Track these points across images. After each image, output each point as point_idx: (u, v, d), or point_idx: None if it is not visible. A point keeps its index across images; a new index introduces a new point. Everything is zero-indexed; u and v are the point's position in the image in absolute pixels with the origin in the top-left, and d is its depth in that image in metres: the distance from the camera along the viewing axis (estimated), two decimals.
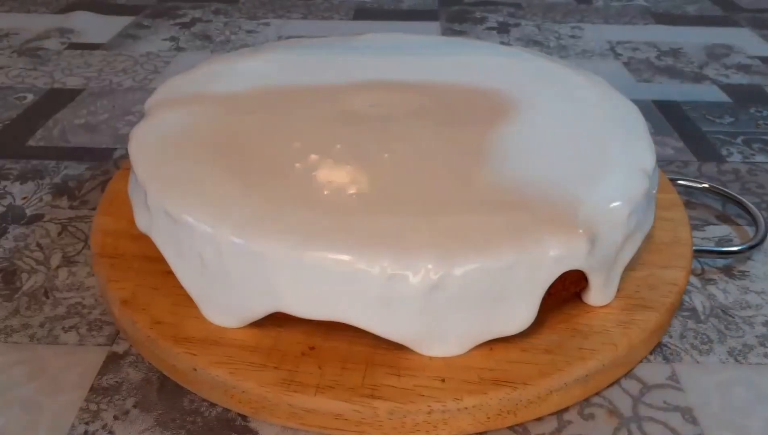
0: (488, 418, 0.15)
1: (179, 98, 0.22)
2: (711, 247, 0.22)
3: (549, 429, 0.16)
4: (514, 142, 0.19)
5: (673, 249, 0.20)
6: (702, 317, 0.20)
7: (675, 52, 0.39)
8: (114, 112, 0.31)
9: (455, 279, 0.15)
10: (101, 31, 0.41)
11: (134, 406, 0.16)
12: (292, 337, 0.17)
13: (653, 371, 0.18)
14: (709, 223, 0.24)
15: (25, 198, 0.25)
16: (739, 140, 0.30)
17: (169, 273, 0.18)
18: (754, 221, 0.23)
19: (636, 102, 0.33)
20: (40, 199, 0.25)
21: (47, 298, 0.20)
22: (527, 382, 0.15)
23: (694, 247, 0.21)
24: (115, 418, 0.16)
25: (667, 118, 0.31)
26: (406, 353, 0.16)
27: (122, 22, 0.43)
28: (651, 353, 0.18)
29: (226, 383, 0.16)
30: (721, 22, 0.44)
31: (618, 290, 0.18)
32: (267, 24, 0.43)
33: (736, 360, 0.18)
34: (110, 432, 0.16)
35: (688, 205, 0.25)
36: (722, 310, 0.20)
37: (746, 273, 0.21)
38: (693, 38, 0.41)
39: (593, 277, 0.17)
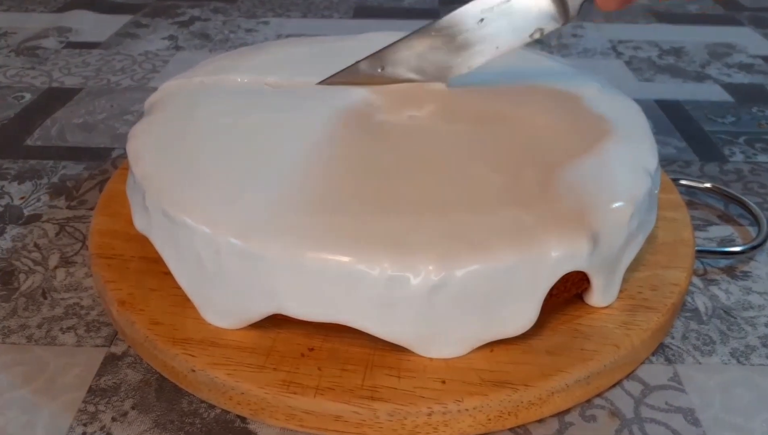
0: (489, 419, 0.15)
1: (178, 98, 0.22)
2: (713, 247, 0.22)
3: (550, 431, 0.16)
4: (515, 143, 0.19)
5: (675, 249, 0.20)
6: (704, 318, 0.19)
7: (677, 51, 0.39)
8: (112, 112, 0.31)
9: (456, 280, 0.15)
10: (99, 30, 0.41)
11: (132, 408, 0.16)
12: (291, 339, 0.16)
13: (655, 372, 0.17)
14: (711, 224, 0.24)
15: (22, 198, 0.25)
16: (741, 140, 0.29)
17: (168, 274, 0.17)
18: (756, 221, 0.23)
19: (638, 101, 0.32)
20: (38, 199, 0.25)
21: (45, 298, 0.20)
22: (528, 384, 0.15)
23: (697, 248, 0.21)
24: (114, 419, 0.16)
25: (669, 117, 0.31)
26: (407, 354, 0.16)
27: (120, 20, 0.42)
28: (653, 354, 0.18)
29: (225, 384, 0.15)
30: (723, 21, 0.44)
31: (620, 291, 0.18)
32: (266, 23, 0.43)
33: (739, 361, 0.18)
34: (108, 433, 0.16)
35: (690, 205, 0.24)
36: (724, 311, 0.20)
37: (749, 274, 0.21)
38: (695, 37, 0.41)
39: (595, 278, 0.17)
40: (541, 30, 0.20)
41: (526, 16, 0.20)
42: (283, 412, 0.15)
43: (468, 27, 0.20)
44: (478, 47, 0.20)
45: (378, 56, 0.21)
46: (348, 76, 0.21)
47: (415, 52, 0.21)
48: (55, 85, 0.34)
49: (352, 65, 0.21)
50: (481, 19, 0.20)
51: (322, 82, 0.22)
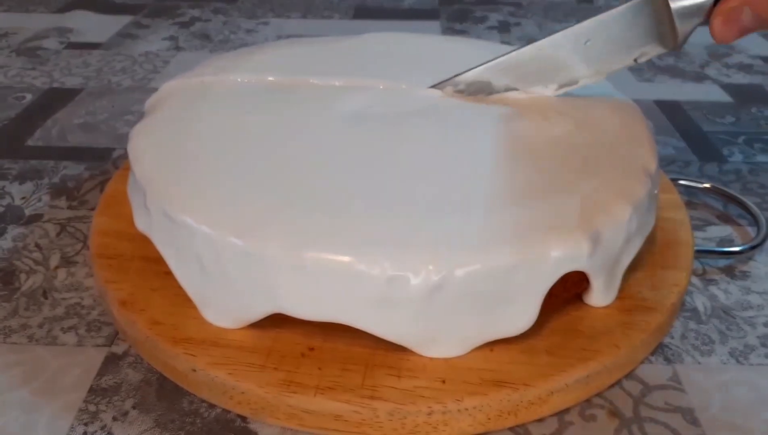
0: (489, 419, 0.15)
1: (179, 99, 0.22)
2: (712, 247, 0.22)
3: (550, 430, 0.16)
4: (516, 143, 0.19)
5: (674, 249, 0.20)
6: (703, 318, 0.19)
7: (676, 52, 0.39)
8: (113, 112, 0.31)
9: (456, 280, 0.15)
10: (100, 31, 0.41)
11: (133, 407, 0.16)
12: (291, 338, 0.17)
13: (654, 372, 0.17)
14: (710, 224, 0.24)
15: (23, 198, 0.25)
16: (740, 140, 0.29)
17: (168, 273, 0.18)
18: (755, 221, 0.23)
19: (637, 102, 0.32)
20: (39, 199, 0.25)
21: (46, 298, 0.20)
22: (528, 383, 0.15)
23: (696, 248, 0.21)
24: (114, 419, 0.16)
25: (669, 118, 0.31)
26: (407, 354, 0.16)
27: (121, 21, 0.43)
28: (652, 354, 0.18)
29: (226, 384, 0.16)
30: None
31: (619, 291, 0.18)
32: (266, 23, 0.43)
33: (738, 361, 0.18)
34: (109, 433, 0.16)
35: (689, 205, 0.24)
36: (723, 311, 0.20)
37: (748, 273, 0.21)
38: (694, 37, 0.41)
39: (595, 278, 0.17)
40: (646, 54, 0.20)
41: (632, 40, 0.19)
42: (283, 411, 0.15)
43: (572, 48, 0.20)
44: (578, 68, 0.20)
45: (489, 68, 0.20)
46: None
47: (518, 68, 0.20)
48: (55, 85, 0.34)
49: (463, 72, 0.21)
50: (587, 41, 0.19)
51: (434, 87, 0.21)
